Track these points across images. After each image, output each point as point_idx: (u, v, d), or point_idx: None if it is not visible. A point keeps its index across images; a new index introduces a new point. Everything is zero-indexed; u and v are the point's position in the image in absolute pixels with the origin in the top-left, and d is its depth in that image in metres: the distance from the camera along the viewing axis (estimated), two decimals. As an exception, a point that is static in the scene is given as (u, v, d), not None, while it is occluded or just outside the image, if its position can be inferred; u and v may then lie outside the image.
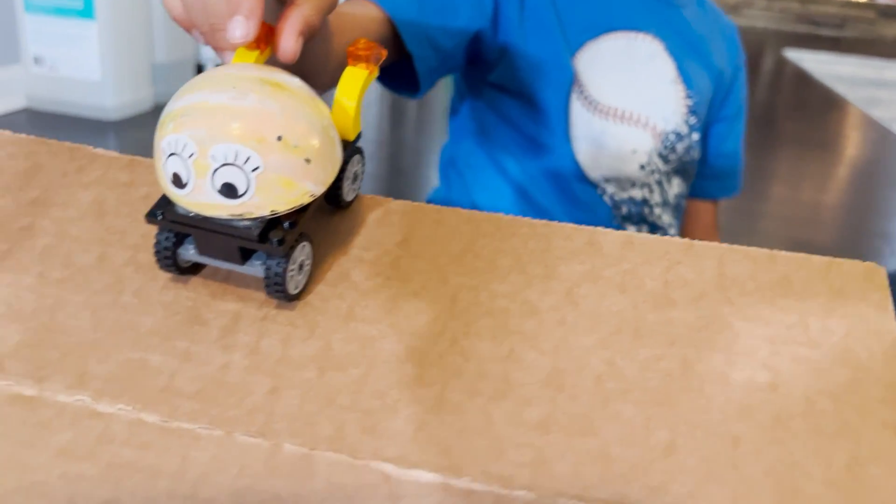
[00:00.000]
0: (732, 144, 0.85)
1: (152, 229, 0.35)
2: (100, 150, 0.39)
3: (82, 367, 0.30)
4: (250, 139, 0.28)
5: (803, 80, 4.67)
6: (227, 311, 0.32)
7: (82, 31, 2.16)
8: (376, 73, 0.35)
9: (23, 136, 0.39)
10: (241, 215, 0.29)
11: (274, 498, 0.26)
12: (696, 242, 0.35)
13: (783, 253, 0.35)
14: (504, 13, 0.70)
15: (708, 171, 0.84)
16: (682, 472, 0.27)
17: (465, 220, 0.36)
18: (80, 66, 2.20)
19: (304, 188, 0.29)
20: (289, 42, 0.35)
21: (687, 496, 0.27)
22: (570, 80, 0.71)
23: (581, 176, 0.73)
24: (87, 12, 2.13)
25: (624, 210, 0.75)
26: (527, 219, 0.36)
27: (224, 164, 0.28)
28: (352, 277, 0.34)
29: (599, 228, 0.35)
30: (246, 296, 0.32)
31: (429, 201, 0.82)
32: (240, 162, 0.28)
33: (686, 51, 0.76)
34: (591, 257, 0.34)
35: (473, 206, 0.77)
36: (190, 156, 0.28)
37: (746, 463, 0.27)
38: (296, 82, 0.31)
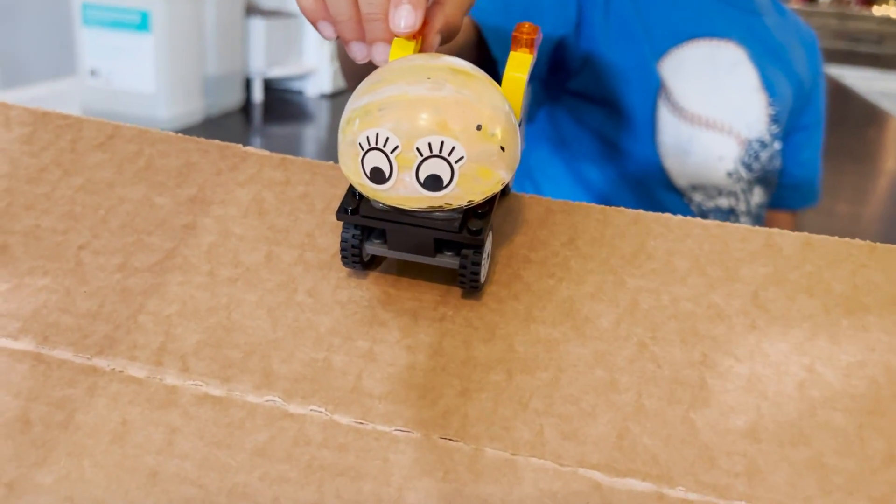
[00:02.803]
0: (811, 154, 0.83)
1: (316, 228, 0.34)
2: (250, 149, 0.38)
3: (267, 367, 0.29)
4: (454, 130, 0.27)
5: (844, 94, 4.60)
6: (404, 310, 0.31)
7: (138, 44, 2.20)
8: (535, 57, 0.34)
9: (171, 133, 0.39)
10: (440, 207, 0.28)
11: (483, 504, 0.25)
12: (879, 245, 0.33)
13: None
14: (588, 20, 0.69)
15: (787, 180, 0.82)
16: (908, 485, 0.26)
17: (632, 221, 0.35)
18: (135, 78, 2.24)
19: (498, 176, 0.29)
20: (429, 41, 0.34)
21: (916, 510, 0.25)
22: (656, 87, 0.70)
23: (667, 183, 0.72)
24: (143, 26, 2.17)
25: (711, 219, 0.74)
26: (698, 219, 0.35)
27: (430, 157, 0.27)
28: (523, 278, 0.33)
29: (775, 230, 0.34)
30: (419, 296, 0.32)
31: None
32: (445, 153, 0.27)
33: (768, 59, 0.74)
34: (772, 259, 0.33)
35: None
36: (394, 150, 0.27)
37: (978, 476, 0.26)
38: (478, 70, 0.30)
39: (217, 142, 0.39)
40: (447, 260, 0.30)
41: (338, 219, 0.30)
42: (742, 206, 0.74)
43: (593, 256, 0.33)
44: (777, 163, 0.76)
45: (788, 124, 0.78)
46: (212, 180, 0.37)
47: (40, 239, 0.34)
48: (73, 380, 0.29)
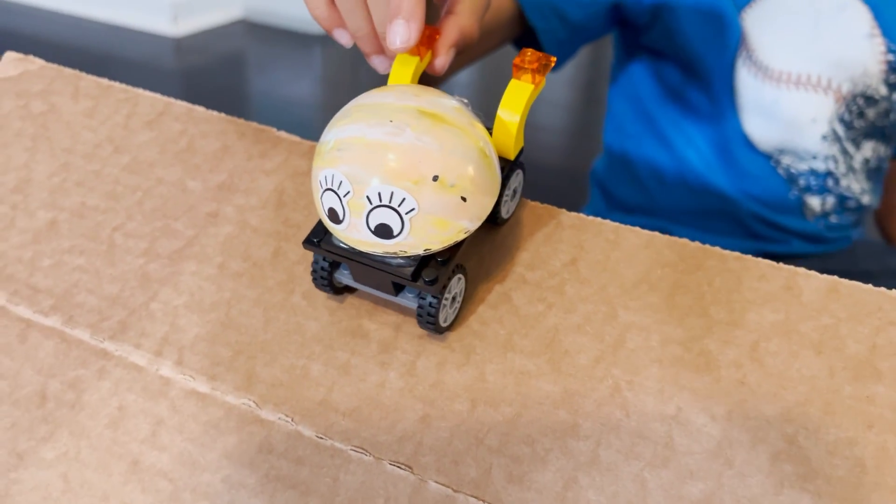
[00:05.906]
0: None
1: (324, 227, 0.35)
2: (283, 134, 0.39)
3: (251, 369, 0.31)
4: (405, 180, 0.27)
5: None
6: (387, 323, 0.32)
7: (295, -56, 2.24)
8: (543, 83, 0.32)
9: (215, 113, 0.41)
10: (395, 253, 0.28)
11: (414, 537, 0.26)
12: (920, 300, 0.30)
13: None
14: None
15: None
16: (862, 589, 0.24)
17: (644, 244, 0.33)
18: (292, -21, 2.29)
19: (458, 226, 0.28)
20: (441, 60, 0.33)
21: None
22: (736, 42, 0.63)
23: (751, 147, 0.65)
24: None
25: (802, 183, 0.66)
26: (717, 249, 0.32)
27: (379, 206, 0.27)
28: (513, 300, 0.32)
29: (801, 270, 0.31)
30: (407, 309, 0.32)
31: (592, 172, 0.78)
32: (395, 204, 0.27)
33: None
34: (787, 305, 0.30)
35: (633, 179, 0.72)
36: (346, 194, 0.27)
37: None
38: (452, 110, 0.29)
39: (255, 125, 0.40)
40: (408, 301, 0.30)
41: (304, 247, 0.30)
42: (842, 168, 0.66)
43: (591, 282, 0.32)
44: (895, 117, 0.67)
45: None
46: (241, 166, 0.38)
47: (84, 217, 0.37)
48: (87, 361, 0.32)
